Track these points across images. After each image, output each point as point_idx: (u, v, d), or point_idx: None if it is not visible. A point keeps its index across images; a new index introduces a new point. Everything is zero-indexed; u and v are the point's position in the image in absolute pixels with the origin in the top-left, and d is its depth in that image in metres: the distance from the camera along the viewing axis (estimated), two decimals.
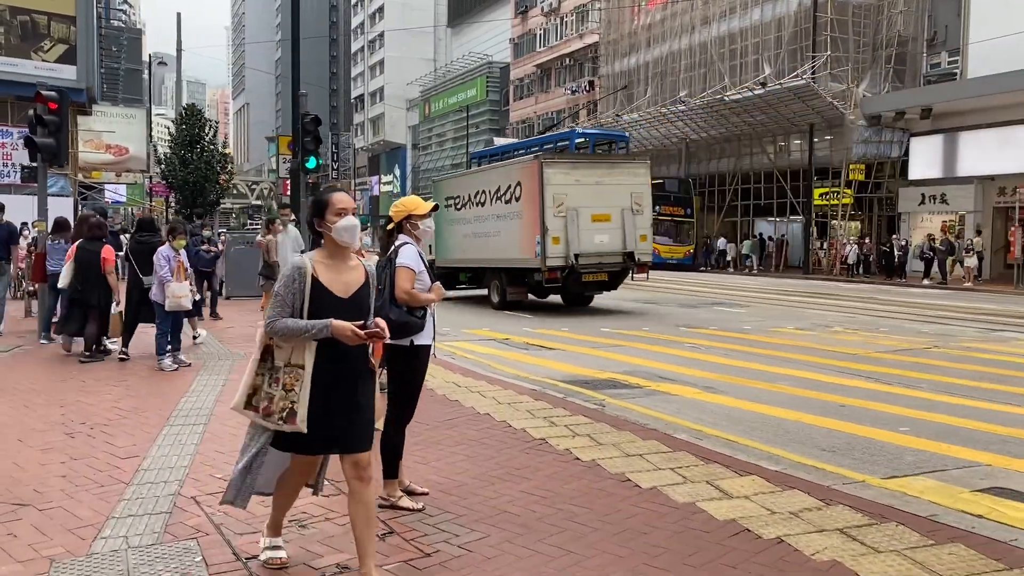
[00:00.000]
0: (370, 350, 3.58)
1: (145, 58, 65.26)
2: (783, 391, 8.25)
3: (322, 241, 3.58)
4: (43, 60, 27.29)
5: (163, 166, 27.89)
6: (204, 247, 12.14)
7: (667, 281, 27.06)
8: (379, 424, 4.36)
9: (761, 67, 36.19)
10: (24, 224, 18.93)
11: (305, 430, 3.37)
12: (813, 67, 32.93)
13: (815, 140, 33.90)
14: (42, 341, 11.07)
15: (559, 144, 29.15)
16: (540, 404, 7.20)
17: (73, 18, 27.82)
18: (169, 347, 9.24)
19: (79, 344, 9.94)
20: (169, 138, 28.39)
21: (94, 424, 6.56)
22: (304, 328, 3.32)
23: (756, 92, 34.17)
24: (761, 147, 38.12)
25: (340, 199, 3.51)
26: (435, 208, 4.86)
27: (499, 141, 42.71)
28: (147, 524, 4.32)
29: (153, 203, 46.07)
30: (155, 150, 29.88)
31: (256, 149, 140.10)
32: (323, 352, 3.40)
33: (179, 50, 30.55)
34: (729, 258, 38.54)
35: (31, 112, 11.61)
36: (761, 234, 38.92)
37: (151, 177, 44.00)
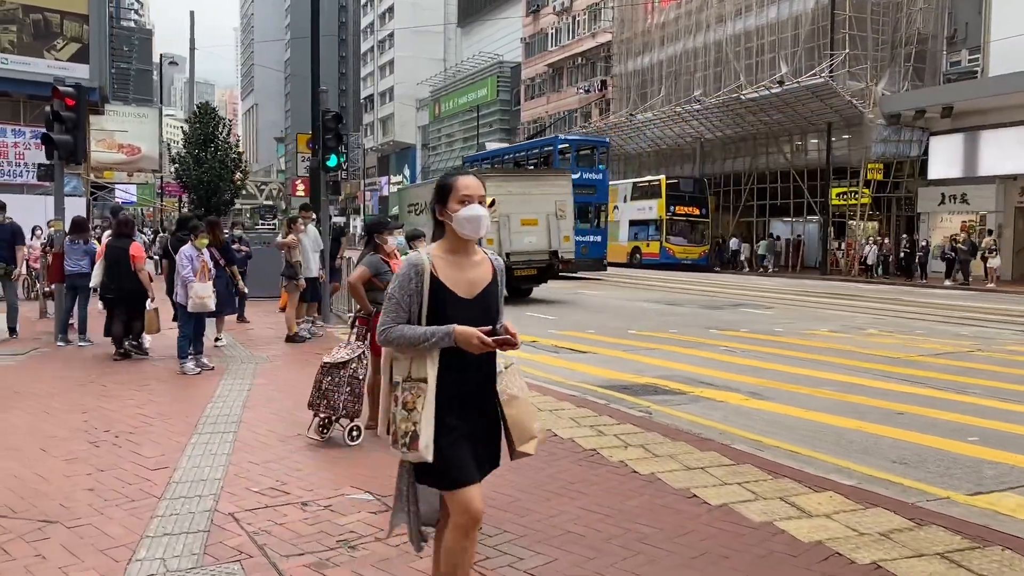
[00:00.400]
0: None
1: (155, 59, 65.23)
2: (831, 397, 7.89)
3: (443, 233, 2.99)
4: (56, 59, 27.10)
5: (177, 165, 27.60)
6: (235, 246, 11.75)
7: (684, 281, 26.70)
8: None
9: (778, 65, 35.78)
10: (37, 225, 18.70)
11: (429, 458, 2.78)
12: (831, 65, 32.50)
13: (833, 139, 33.45)
14: (59, 343, 10.78)
15: (544, 149, 30.98)
16: (584, 412, 6.87)
17: (86, 16, 27.62)
18: (191, 350, 8.94)
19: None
20: (182, 138, 28.06)
21: (119, 432, 6.26)
22: (423, 336, 2.79)
23: (773, 91, 33.76)
24: (777, 146, 37.70)
25: (465, 184, 2.90)
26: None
27: (490, 146, 43.93)
28: (185, 544, 4.00)
29: (164, 203, 45.94)
30: (168, 149, 29.62)
31: (265, 149, 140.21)
32: (447, 362, 2.85)
33: (192, 49, 30.33)
34: (743, 258, 38.13)
35: (48, 109, 11.34)
36: (772, 234, 38.48)
37: (162, 177, 43.85)
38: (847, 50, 32.67)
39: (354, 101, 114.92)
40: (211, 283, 8.96)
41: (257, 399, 7.52)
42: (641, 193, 38.64)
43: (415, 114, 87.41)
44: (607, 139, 35.82)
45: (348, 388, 5.84)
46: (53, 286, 12.22)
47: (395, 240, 6.37)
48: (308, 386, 8.14)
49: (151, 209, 53.54)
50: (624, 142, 45.67)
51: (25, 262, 18.37)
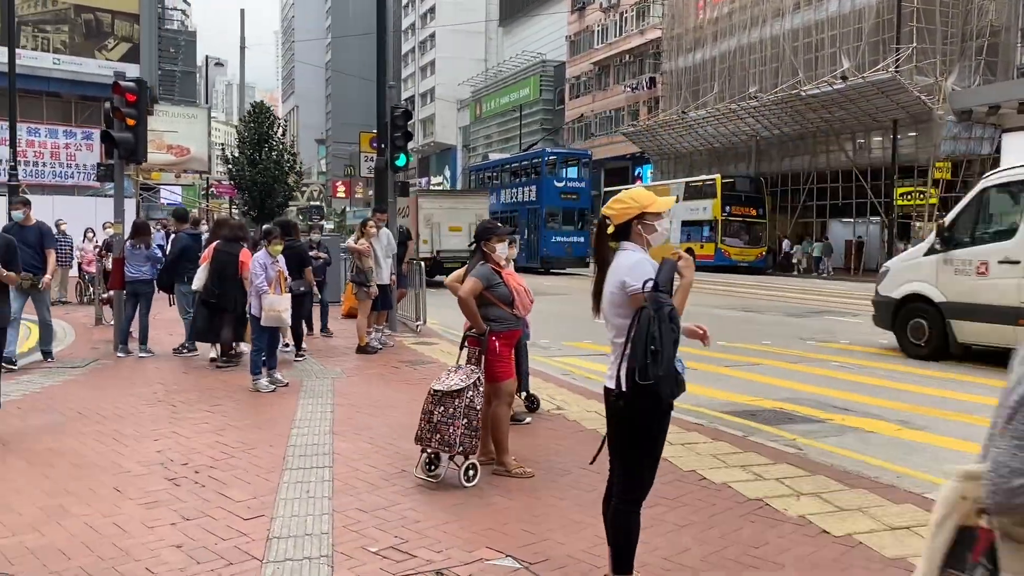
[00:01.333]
0: None
1: (200, 60, 65.46)
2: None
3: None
4: (107, 59, 26.86)
5: (230, 166, 27.12)
6: (312, 253, 10.93)
7: (746, 285, 25.58)
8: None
9: (839, 60, 34.44)
10: (90, 227, 18.26)
11: None
12: (897, 59, 31.13)
13: (898, 137, 32.02)
14: (119, 354, 10.15)
15: (534, 161, 36.08)
16: (723, 446, 5.97)
17: (136, 16, 27.35)
18: (265, 365, 8.21)
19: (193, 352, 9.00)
20: (236, 137, 27.51)
21: (199, 466, 5.51)
22: None
23: (835, 86, 32.46)
24: (839, 144, 36.29)
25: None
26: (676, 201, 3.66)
27: (493, 156, 51.35)
28: None
29: (209, 204, 45.78)
30: (222, 149, 29.17)
31: (305, 151, 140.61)
32: None
33: (242, 47, 29.92)
34: (795, 260, 36.82)
35: (107, 105, 10.71)
36: (827, 236, 37.11)
37: (208, 178, 43.70)
38: (914, 44, 31.27)
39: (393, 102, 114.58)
40: (288, 295, 8.23)
41: (344, 424, 6.73)
42: (694, 193, 37.49)
43: (456, 115, 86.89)
44: (588, 152, 39.82)
45: (465, 420, 5.00)
46: (111, 292, 11.63)
47: (504, 248, 5.51)
48: (395, 407, 7.42)
49: (194, 211, 53.53)
50: (675, 140, 44.56)
51: (78, 266, 18.00)
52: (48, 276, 9.22)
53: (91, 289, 17.64)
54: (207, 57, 42.12)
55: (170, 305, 11.32)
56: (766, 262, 37.07)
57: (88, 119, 27.75)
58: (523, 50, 74.14)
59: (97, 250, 17.58)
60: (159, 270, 10.28)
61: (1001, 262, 9.45)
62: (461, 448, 5.01)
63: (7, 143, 24.33)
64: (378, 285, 10.73)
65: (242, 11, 30.18)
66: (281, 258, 8.31)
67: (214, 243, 9.54)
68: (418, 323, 12.74)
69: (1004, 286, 9.35)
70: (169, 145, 30.72)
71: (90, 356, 10.21)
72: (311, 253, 10.85)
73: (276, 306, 7.96)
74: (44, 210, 23.83)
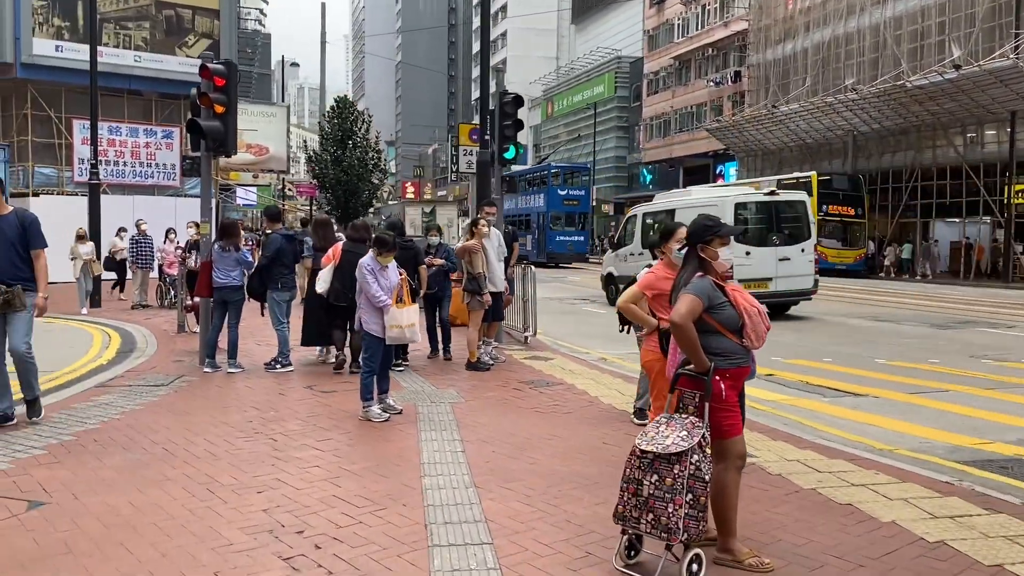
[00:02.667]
0: None
1: (272, 62, 65.68)
2: None
3: None
4: (187, 55, 26.33)
5: (314, 164, 26.25)
6: (428, 259, 9.64)
7: (854, 290, 23.54)
8: None
9: (948, 48, 31.95)
10: (171, 227, 17.50)
11: None
12: (1017, 46, 28.59)
13: (1017, 130, 29.46)
14: (206, 369, 9.08)
15: (541, 173, 43.54)
16: (1005, 520, 4.44)
17: (216, 11, 26.80)
18: (376, 389, 6.97)
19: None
20: (319, 134, 26.59)
21: (318, 535, 4.25)
22: None
23: (947, 76, 30.01)
24: (947, 138, 33.73)
25: None
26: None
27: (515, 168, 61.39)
28: None
29: (285, 204, 45.42)
30: (304, 147, 28.44)
31: None
32: None
33: (323, 42, 29.17)
34: (888, 263, 34.40)
35: (193, 91, 9.67)
36: (932, 238, 34.54)
37: (284, 179, 43.36)
38: None
39: (464, 103, 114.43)
40: (415, 305, 6.98)
41: (484, 471, 5.41)
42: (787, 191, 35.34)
43: (527, 114, 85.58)
44: (587, 165, 48.59)
45: (689, 496, 3.61)
46: (195, 299, 10.63)
47: (727, 253, 4.09)
48: (537, 445, 6.00)
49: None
50: (763, 136, 42.40)
51: (159, 268, 17.24)
52: (42, 295, 6.31)
53: (172, 292, 16.87)
54: (283, 57, 41.76)
55: (261, 315, 10.23)
56: (865, 264, 34.74)
57: (168, 117, 27.33)
58: (598, 46, 72.51)
59: (179, 251, 16.81)
60: (250, 275, 9.17)
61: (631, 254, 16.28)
62: (685, 535, 3.61)
63: (88, 142, 24.00)
64: (490, 292, 9.45)
65: (323, 4, 29.43)
66: (393, 265, 7.05)
67: (338, 244, 8.78)
68: (526, 333, 11.41)
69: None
70: (248, 144, 30.16)
71: (174, 371, 9.17)
72: (427, 258, 9.59)
73: (400, 320, 6.70)
74: (124, 210, 23.41)
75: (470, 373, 9.13)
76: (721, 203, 14.75)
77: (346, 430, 6.59)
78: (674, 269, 4.73)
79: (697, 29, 52.80)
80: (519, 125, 11.37)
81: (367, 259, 6.89)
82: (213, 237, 9.47)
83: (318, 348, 9.75)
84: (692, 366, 3.88)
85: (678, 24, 55.01)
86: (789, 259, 14.92)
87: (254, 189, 43.95)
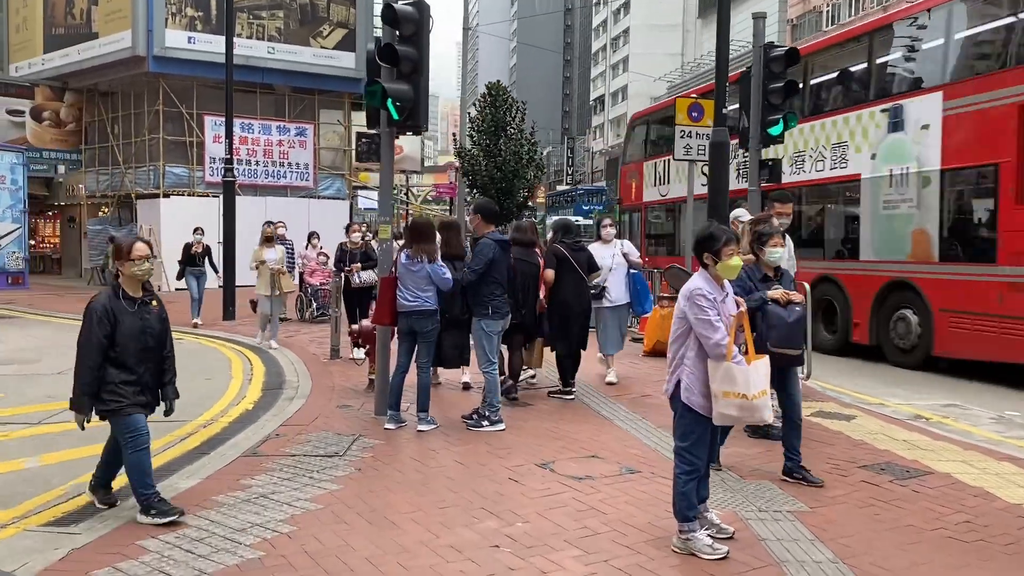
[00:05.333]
0: None
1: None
2: None
3: None
4: (321, 47, 24.53)
5: (463, 160, 23.77)
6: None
7: None
8: None
9: None
10: (314, 231, 15.39)
11: None
12: None
13: None
14: (388, 425, 6.55)
15: (567, 195, 52.68)
16: None
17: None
18: (700, 501, 4.21)
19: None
20: (468, 126, 24.08)
21: None
22: None
23: None
24: None
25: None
26: None
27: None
28: None
29: (410, 207, 43.57)
30: (454, 140, 26.22)
31: None
32: None
33: (466, 29, 26.97)
34: None
35: (370, 47, 7.19)
36: None
37: (409, 178, 41.50)
38: None
39: (580, 105, 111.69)
40: (767, 359, 4.25)
41: None
42: None
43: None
44: (604, 186, 50.99)
45: None
46: (364, 323, 8.19)
47: None
48: None
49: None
50: None
51: (299, 276, 15.14)
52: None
53: (313, 304, 14.74)
54: None
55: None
56: None
57: (300, 114, 25.64)
58: (731, 39, 68.28)
59: (321, 257, 14.63)
60: (450, 293, 6.59)
61: None
62: None
63: (220, 139, 22.45)
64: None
65: None
66: (729, 287, 4.28)
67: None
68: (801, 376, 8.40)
69: None
70: None
71: (345, 426, 6.68)
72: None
73: (745, 383, 3.95)
74: (256, 213, 21.70)
75: (767, 443, 6.22)
76: None
77: (658, 569, 3.84)
78: None
79: (850, 16, 48.23)
80: (792, 88, 8.44)
81: (697, 280, 4.15)
82: (394, 243, 6.96)
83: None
84: None
85: (827, 11, 50.58)
86: None
87: (375, 193, 42.29)
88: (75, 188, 27.42)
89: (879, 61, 10.89)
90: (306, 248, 14.92)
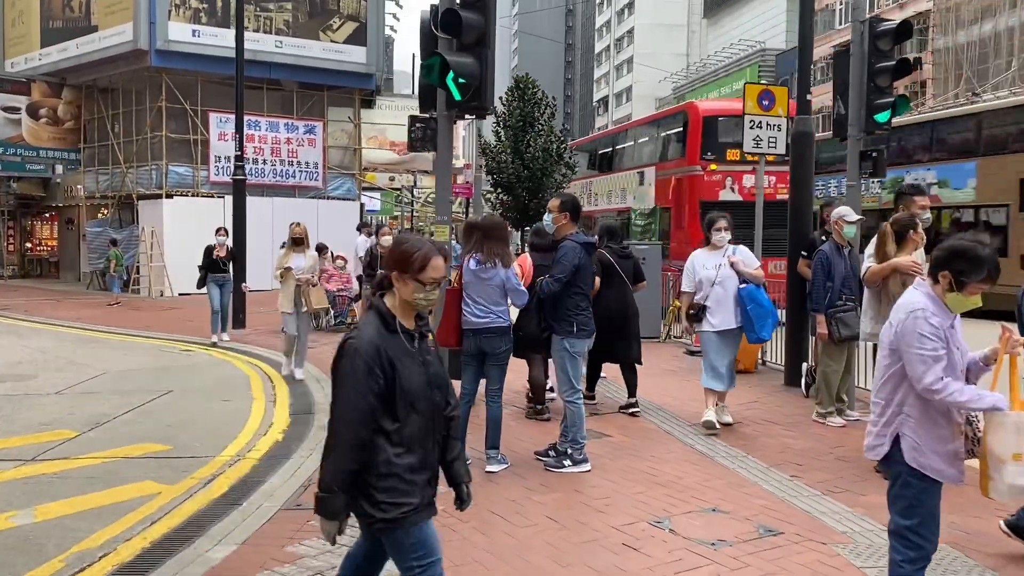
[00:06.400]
0: None
1: (396, 65, 63.59)
2: None
3: None
4: (331, 41, 23.45)
5: (487, 158, 22.55)
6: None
7: None
8: None
9: None
10: (323, 246, 14.29)
11: None
12: None
13: None
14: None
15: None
16: None
17: None
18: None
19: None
20: (494, 120, 22.94)
21: None
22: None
23: None
24: None
25: None
26: None
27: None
28: None
29: (415, 210, 42.45)
30: (478, 136, 25.20)
31: None
32: None
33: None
34: None
35: (423, 12, 6.13)
36: None
37: (415, 177, 40.45)
38: None
39: (582, 107, 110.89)
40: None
41: None
42: None
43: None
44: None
45: None
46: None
47: None
48: None
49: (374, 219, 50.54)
50: None
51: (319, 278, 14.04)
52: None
53: (331, 312, 13.68)
54: (413, 55, 39.09)
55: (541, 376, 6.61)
56: None
57: (309, 111, 24.54)
58: (735, 40, 67.51)
59: (339, 262, 13.57)
60: (521, 309, 5.54)
61: None
62: None
63: (225, 137, 21.38)
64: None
65: None
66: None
67: (525, 256, 6.49)
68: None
69: None
70: (392, 142, 27.25)
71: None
72: None
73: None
74: (263, 213, 20.70)
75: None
76: None
77: None
78: None
79: (864, 14, 47.26)
80: (904, 69, 7.42)
81: (918, 296, 3.08)
82: (455, 244, 5.90)
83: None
84: None
85: (839, 9, 49.73)
86: None
87: (379, 194, 41.17)
88: (73, 188, 26.31)
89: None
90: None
